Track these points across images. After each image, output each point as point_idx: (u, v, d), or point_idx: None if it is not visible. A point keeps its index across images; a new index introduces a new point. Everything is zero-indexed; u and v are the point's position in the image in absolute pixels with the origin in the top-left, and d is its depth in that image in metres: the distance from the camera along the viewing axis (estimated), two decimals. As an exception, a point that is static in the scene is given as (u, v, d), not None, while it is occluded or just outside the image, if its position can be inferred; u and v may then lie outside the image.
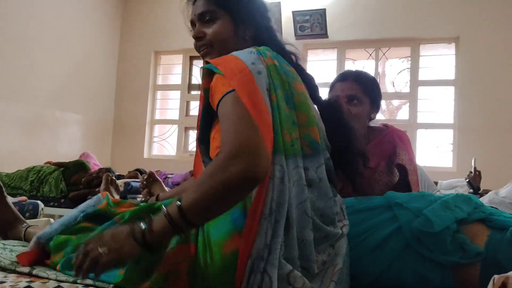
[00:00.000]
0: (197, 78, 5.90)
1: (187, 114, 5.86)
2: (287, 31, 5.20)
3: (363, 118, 1.69)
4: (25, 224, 1.43)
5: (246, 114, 0.94)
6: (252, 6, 1.25)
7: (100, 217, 1.16)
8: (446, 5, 4.75)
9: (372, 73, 5.05)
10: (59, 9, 5.06)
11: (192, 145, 5.79)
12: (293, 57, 1.26)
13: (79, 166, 3.66)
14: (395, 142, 1.67)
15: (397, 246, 1.22)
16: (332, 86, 1.74)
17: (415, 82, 4.98)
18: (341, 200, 1.17)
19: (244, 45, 1.19)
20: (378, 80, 5.00)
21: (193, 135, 5.80)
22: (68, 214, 1.20)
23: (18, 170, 3.76)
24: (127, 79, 6.01)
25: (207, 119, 1.12)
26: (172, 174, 4.83)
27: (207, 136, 1.13)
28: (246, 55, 1.07)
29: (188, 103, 5.89)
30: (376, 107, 1.72)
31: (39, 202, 2.72)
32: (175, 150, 5.86)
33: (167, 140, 6.00)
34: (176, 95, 5.98)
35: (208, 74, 1.07)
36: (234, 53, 1.09)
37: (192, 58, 5.88)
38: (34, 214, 2.66)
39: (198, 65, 5.91)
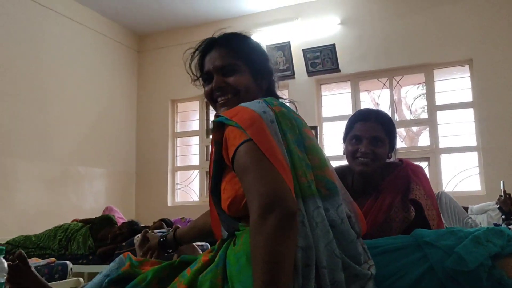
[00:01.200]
0: (214, 123, 5.97)
1: (207, 158, 5.90)
2: (299, 69, 5.28)
3: (383, 159, 1.68)
4: (52, 291, 1.43)
5: (266, 162, 0.95)
6: (264, 59, 1.30)
7: (125, 279, 1.16)
8: (456, 29, 4.76)
9: (387, 102, 5.11)
10: (76, 66, 5.26)
11: (215, 189, 5.78)
12: None
13: (105, 221, 3.69)
14: (409, 177, 1.65)
15: (430, 287, 1.18)
16: (352, 125, 1.72)
17: (432, 107, 4.94)
18: (361, 241, 1.15)
19: (262, 96, 1.22)
20: (394, 108, 5.04)
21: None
22: (93, 280, 1.20)
23: (46, 230, 3.82)
24: (146, 129, 6.14)
25: (218, 171, 1.13)
26: (196, 220, 4.82)
27: (218, 187, 1.14)
28: (255, 105, 1.09)
29: (207, 147, 5.94)
30: (392, 147, 1.71)
31: (67, 262, 2.74)
32: (198, 196, 5.88)
33: (190, 186, 6.03)
34: (195, 140, 6.06)
35: (218, 126, 1.09)
36: (244, 104, 1.11)
37: (208, 103, 5.98)
38: (64, 275, 2.68)
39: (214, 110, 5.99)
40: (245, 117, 1.04)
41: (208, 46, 1.31)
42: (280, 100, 1.25)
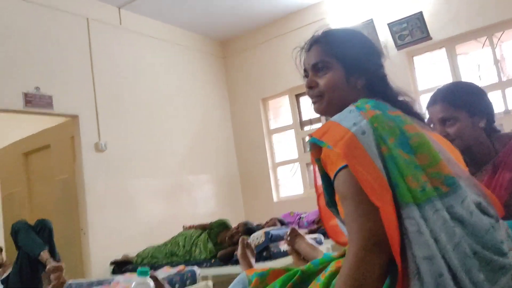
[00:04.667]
0: (306, 114, 5.97)
1: (305, 150, 5.92)
2: (386, 45, 5.05)
3: (467, 132, 1.57)
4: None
5: (362, 196, 0.95)
6: (364, 55, 1.22)
7: None
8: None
9: (490, 62, 4.71)
10: (172, 83, 5.59)
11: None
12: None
13: (221, 225, 3.87)
14: None
15: None
16: (428, 110, 1.67)
17: (545, 59, 4.46)
18: (505, 225, 1.07)
19: (355, 94, 1.18)
20: (499, 67, 4.62)
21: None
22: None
23: (171, 238, 4.12)
24: (242, 131, 6.32)
25: (327, 183, 1.11)
26: (305, 213, 4.87)
27: (333, 198, 1.13)
28: (346, 117, 1.06)
29: (303, 139, 5.96)
30: (478, 115, 1.58)
31: (195, 268, 2.93)
32: (302, 188, 5.93)
33: (292, 180, 6.10)
34: (290, 134, 6.11)
35: (314, 144, 1.09)
36: (335, 118, 1.09)
37: (298, 96, 6.00)
38: (193, 280, 2.88)
39: (305, 101, 5.99)
40: (335, 137, 1.02)
41: (309, 44, 1.30)
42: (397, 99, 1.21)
